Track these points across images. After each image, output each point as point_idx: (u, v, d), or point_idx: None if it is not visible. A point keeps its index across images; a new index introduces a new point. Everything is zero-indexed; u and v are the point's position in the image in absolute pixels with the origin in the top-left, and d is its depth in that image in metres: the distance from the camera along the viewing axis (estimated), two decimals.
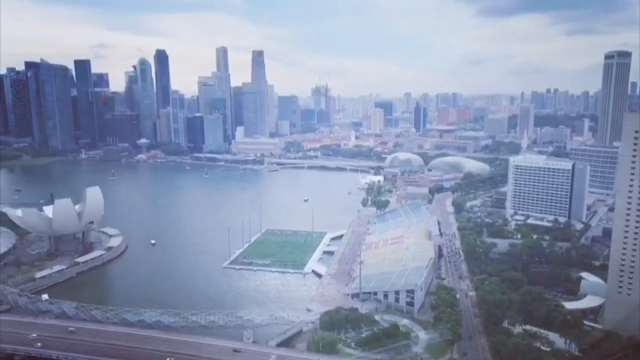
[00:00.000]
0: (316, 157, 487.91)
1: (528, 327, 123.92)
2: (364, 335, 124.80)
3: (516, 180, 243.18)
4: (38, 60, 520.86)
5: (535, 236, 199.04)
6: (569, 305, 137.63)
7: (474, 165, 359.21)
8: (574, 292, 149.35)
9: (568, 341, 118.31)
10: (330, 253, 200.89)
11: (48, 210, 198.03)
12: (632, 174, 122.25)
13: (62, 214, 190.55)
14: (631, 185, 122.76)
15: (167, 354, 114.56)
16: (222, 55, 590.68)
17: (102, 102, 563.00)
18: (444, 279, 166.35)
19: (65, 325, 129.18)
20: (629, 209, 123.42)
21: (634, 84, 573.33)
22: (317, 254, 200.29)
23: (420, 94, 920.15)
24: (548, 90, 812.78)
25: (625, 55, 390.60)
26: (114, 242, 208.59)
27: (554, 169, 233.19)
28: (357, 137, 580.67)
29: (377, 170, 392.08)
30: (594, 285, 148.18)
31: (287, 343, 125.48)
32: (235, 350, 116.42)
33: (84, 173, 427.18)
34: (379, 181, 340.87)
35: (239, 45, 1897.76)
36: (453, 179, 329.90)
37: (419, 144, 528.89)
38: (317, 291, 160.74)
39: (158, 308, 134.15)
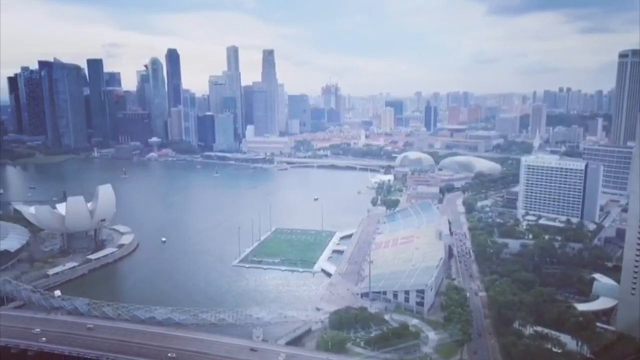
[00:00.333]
0: (326, 156, 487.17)
1: (539, 328, 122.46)
2: (373, 334, 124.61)
3: (528, 180, 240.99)
4: (51, 60, 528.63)
5: (547, 237, 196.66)
6: (581, 306, 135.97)
7: (485, 165, 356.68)
8: (586, 294, 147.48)
9: (580, 343, 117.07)
10: (340, 252, 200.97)
11: (61, 208, 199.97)
12: None
13: (75, 211, 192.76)
14: None
15: (177, 351, 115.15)
16: (232, 54, 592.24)
17: (114, 101, 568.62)
18: (454, 279, 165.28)
19: (78, 322, 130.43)
20: None
21: None
22: (327, 253, 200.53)
23: (431, 93, 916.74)
24: (561, 89, 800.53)
25: None
26: (126, 239, 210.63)
27: (566, 169, 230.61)
28: (367, 136, 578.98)
29: (387, 170, 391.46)
30: (606, 286, 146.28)
31: (296, 342, 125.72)
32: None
33: (96, 171, 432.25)
34: (389, 180, 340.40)
35: (250, 44, 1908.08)
36: (464, 178, 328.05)
37: (430, 143, 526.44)
38: (326, 290, 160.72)
39: (168, 305, 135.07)
